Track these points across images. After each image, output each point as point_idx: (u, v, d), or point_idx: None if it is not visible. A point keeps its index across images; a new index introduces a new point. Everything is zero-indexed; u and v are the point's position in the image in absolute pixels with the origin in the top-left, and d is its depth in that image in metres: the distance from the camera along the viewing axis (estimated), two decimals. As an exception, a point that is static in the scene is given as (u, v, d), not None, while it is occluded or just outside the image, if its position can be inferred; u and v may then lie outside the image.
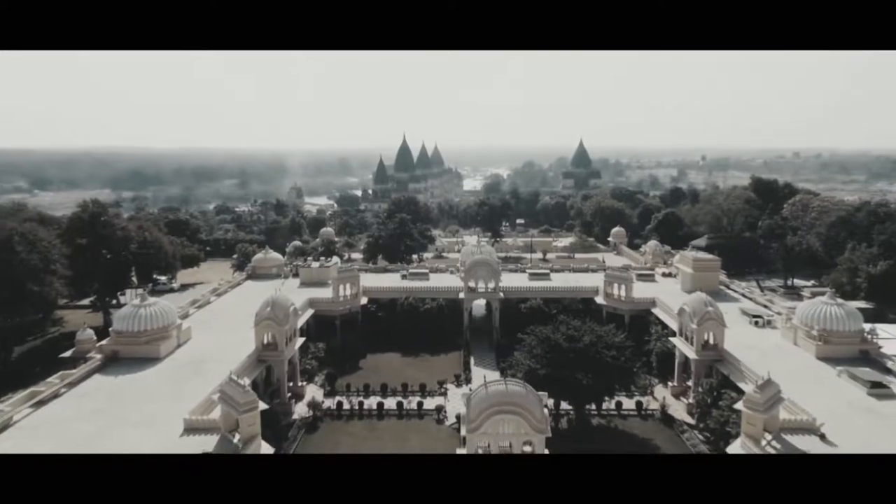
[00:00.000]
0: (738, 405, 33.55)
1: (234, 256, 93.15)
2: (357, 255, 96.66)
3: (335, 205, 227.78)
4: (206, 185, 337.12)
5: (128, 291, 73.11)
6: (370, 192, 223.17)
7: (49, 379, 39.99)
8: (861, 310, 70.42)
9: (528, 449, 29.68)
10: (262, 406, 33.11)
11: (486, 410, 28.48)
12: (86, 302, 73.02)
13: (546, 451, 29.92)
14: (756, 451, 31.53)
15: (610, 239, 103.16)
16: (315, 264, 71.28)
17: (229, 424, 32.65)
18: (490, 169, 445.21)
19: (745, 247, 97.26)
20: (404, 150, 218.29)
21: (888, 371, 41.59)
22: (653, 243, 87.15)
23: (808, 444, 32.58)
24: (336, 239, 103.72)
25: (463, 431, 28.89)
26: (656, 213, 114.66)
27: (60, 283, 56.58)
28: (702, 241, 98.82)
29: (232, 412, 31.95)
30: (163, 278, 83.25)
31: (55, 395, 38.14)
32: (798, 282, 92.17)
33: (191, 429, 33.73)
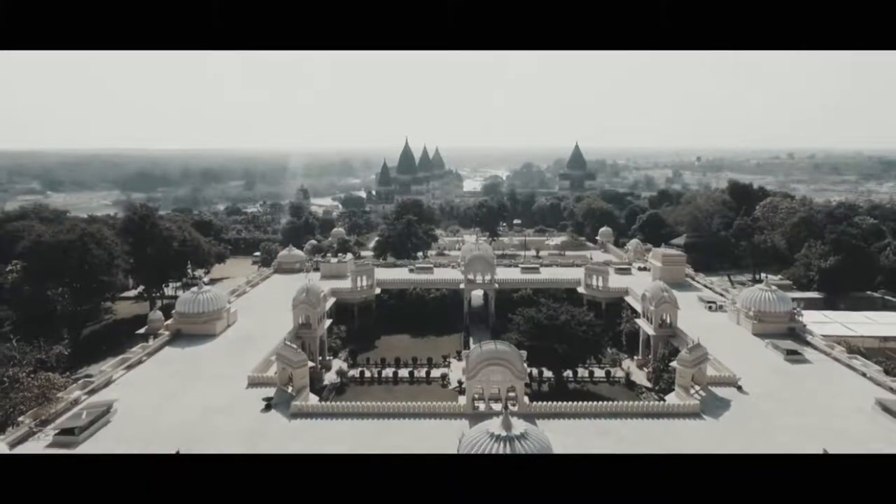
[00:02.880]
0: (673, 363, 43.46)
1: (257, 254, 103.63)
2: (367, 253, 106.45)
3: (340, 206, 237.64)
4: (212, 186, 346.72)
5: (170, 284, 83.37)
6: (374, 193, 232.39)
7: (132, 349, 49.83)
8: (813, 300, 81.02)
9: (511, 394, 39.54)
10: (311, 364, 42.99)
11: (480, 363, 38.31)
12: (131, 294, 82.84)
13: (526, 396, 39.79)
14: (686, 397, 41.32)
15: (598, 238, 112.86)
16: (334, 260, 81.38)
17: (284, 379, 42.37)
18: (489, 170, 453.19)
19: (720, 245, 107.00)
20: (406, 153, 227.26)
21: (807, 343, 51.51)
22: (634, 241, 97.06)
23: (727, 394, 42.29)
24: (347, 237, 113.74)
25: (463, 380, 38.63)
26: (641, 214, 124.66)
27: (122, 275, 66.68)
28: (680, 240, 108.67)
29: (287, 368, 41.71)
30: (200, 272, 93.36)
31: (139, 361, 47.83)
32: (767, 276, 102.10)
33: (253, 383, 43.51)
